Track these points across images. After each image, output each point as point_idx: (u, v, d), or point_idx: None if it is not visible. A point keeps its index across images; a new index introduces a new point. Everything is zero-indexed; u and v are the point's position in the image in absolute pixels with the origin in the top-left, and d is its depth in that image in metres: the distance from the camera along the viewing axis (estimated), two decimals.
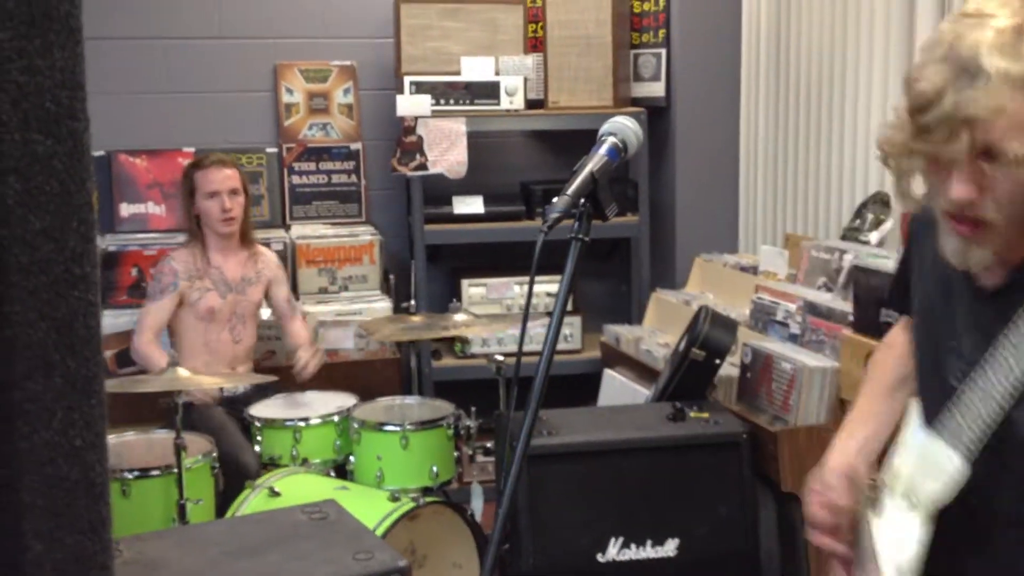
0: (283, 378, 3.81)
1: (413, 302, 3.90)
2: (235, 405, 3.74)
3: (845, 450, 1.62)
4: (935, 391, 1.48)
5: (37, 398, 0.42)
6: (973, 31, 1.24)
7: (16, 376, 0.41)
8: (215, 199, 3.76)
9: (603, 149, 1.48)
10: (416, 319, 3.74)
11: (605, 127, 1.51)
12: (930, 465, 1.41)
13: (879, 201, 3.54)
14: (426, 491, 3.35)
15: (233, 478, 3.35)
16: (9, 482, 0.41)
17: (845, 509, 1.56)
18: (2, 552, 0.43)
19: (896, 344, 1.73)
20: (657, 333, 4.05)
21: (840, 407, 2.96)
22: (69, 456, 0.42)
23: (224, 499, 3.31)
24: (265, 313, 4.08)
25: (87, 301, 0.43)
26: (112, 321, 4.00)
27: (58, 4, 0.41)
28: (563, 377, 3.60)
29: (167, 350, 3.70)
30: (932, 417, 1.45)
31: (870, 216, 3.53)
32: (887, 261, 2.95)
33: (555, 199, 1.42)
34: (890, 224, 3.48)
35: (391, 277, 4.51)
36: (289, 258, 4.38)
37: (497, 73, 4.39)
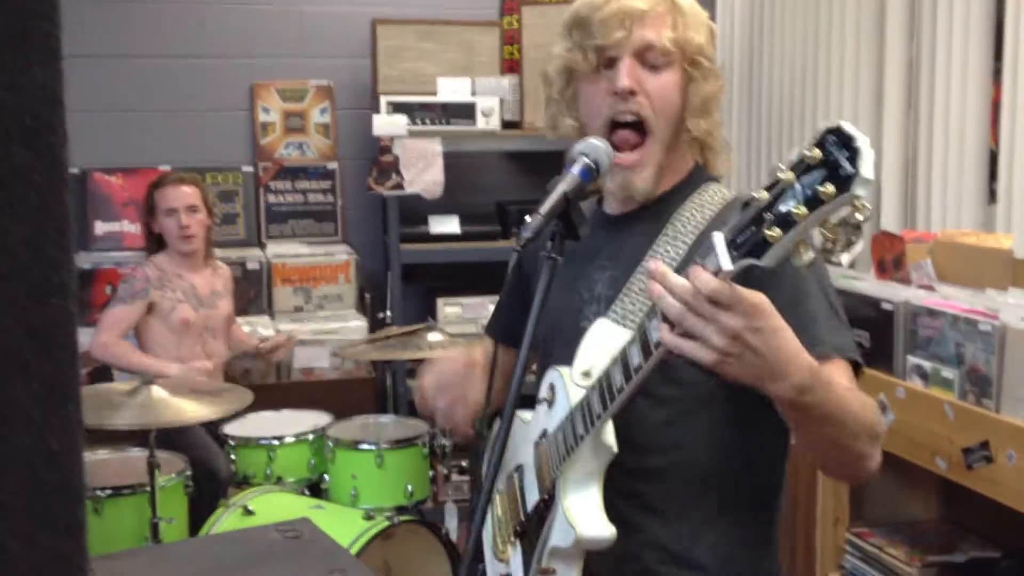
0: (259, 396, 3.80)
1: (389, 312, 3.90)
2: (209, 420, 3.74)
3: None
4: (566, 348, 1.59)
5: (15, 403, 0.43)
6: None
7: None
8: (172, 216, 3.78)
9: (575, 169, 1.49)
10: (392, 338, 3.74)
11: (577, 147, 1.53)
12: (605, 345, 1.50)
13: (849, 223, 3.58)
14: (401, 510, 3.35)
15: (204, 485, 3.34)
16: None
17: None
18: None
19: None
20: None
21: None
22: (46, 459, 0.43)
23: (194, 509, 3.30)
24: (245, 329, 4.08)
25: (65, 308, 0.44)
26: (87, 339, 3.98)
27: (38, 23, 0.43)
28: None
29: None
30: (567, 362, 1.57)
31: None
32: (859, 283, 2.98)
33: (528, 218, 1.43)
34: (860, 246, 3.52)
35: (367, 296, 4.52)
36: (264, 277, 4.38)
37: (473, 94, 4.43)
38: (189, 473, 3.28)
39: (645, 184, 1.58)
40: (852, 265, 3.49)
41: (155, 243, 3.85)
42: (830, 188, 1.09)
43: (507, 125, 4.49)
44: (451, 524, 3.51)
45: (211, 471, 3.42)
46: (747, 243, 1.17)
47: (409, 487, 3.38)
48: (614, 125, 1.58)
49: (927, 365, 2.57)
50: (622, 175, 1.57)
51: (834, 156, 1.10)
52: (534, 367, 1.72)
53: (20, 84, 0.41)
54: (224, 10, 4.62)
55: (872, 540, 2.92)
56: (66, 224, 0.43)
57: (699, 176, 1.65)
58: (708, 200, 1.60)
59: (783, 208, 1.13)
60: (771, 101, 4.19)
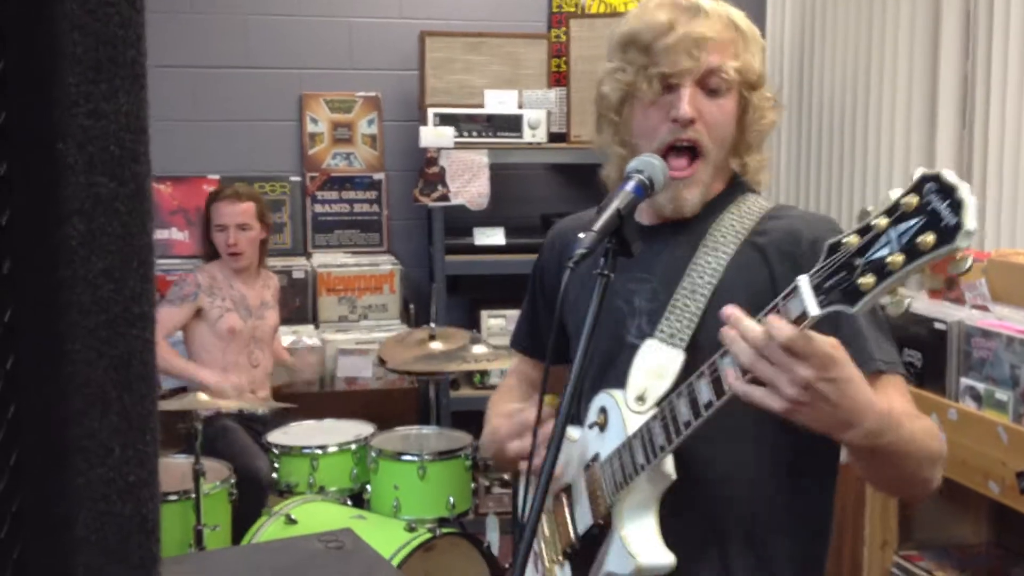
0: (302, 405, 3.82)
1: (433, 324, 3.90)
2: (252, 424, 3.76)
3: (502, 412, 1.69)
4: (613, 365, 1.58)
5: (94, 435, 0.42)
6: None
7: (74, 413, 0.42)
8: (223, 232, 3.82)
9: (630, 186, 1.48)
10: (436, 349, 3.74)
11: (632, 164, 1.51)
12: (657, 368, 1.50)
13: None
14: (442, 522, 3.34)
15: (246, 486, 3.36)
16: (65, 518, 0.42)
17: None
18: None
19: (508, 387, 1.87)
20: None
21: None
22: (123, 492, 0.43)
23: (237, 511, 3.31)
24: (287, 340, 4.11)
25: (144, 339, 0.44)
26: None
27: (125, 50, 0.42)
28: None
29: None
30: (615, 382, 1.55)
31: None
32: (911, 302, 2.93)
33: (581, 235, 1.42)
34: None
35: (411, 307, 4.52)
36: (310, 286, 4.40)
37: (520, 106, 4.42)
38: (233, 480, 3.30)
39: (694, 200, 1.57)
40: (904, 284, 3.44)
41: (212, 250, 3.90)
42: (930, 238, 1.06)
43: (553, 138, 4.48)
44: (492, 537, 3.50)
45: (252, 474, 3.43)
46: (837, 289, 1.15)
47: (451, 499, 3.37)
48: (668, 148, 1.56)
49: (980, 387, 2.53)
50: (674, 188, 1.55)
51: (933, 205, 1.06)
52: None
53: (105, 112, 0.41)
54: (273, 21, 4.66)
55: (921, 564, 2.87)
56: (148, 254, 0.43)
57: (738, 187, 1.64)
58: (747, 211, 1.59)
59: (877, 255, 1.11)
60: (821, 116, 4.15)
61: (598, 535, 1.54)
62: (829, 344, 1.21)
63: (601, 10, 4.86)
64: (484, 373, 4.46)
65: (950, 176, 1.07)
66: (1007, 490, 2.39)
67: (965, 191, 1.05)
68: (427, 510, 3.36)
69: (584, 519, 1.58)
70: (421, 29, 4.53)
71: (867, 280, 1.11)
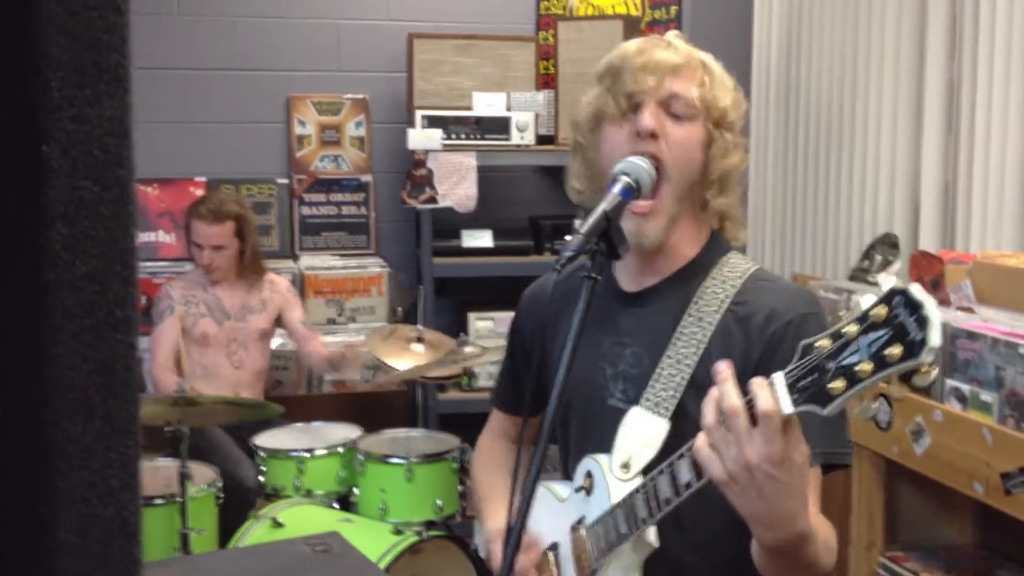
0: (290, 407, 3.81)
1: (420, 326, 3.90)
2: (239, 430, 3.75)
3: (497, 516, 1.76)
4: (594, 428, 1.64)
5: (77, 439, 0.42)
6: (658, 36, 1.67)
7: (57, 416, 0.42)
8: (200, 250, 3.85)
9: (616, 188, 1.49)
10: (424, 352, 3.74)
11: (618, 166, 1.52)
12: (643, 436, 1.54)
13: (887, 243, 3.55)
14: (430, 524, 3.34)
15: (232, 494, 3.35)
16: (48, 520, 0.41)
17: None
18: None
19: (489, 447, 1.95)
20: None
21: None
22: (105, 496, 0.43)
23: (223, 517, 3.31)
24: (274, 343, 4.09)
25: (128, 344, 0.44)
26: None
27: (108, 54, 0.42)
28: None
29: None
30: (596, 445, 1.61)
31: (878, 257, 3.54)
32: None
33: (568, 237, 1.43)
34: (898, 265, 3.49)
35: (399, 309, 4.52)
36: (297, 288, 4.39)
37: (508, 108, 4.43)
38: (220, 484, 3.29)
39: (657, 234, 1.58)
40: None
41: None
42: (896, 351, 1.10)
43: (541, 140, 4.48)
44: (479, 540, 3.50)
45: (238, 483, 3.42)
46: (809, 390, 1.18)
47: (438, 502, 3.37)
48: None
49: (966, 388, 2.54)
50: (635, 222, 1.57)
51: (901, 319, 1.11)
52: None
53: (89, 116, 0.41)
54: (261, 23, 4.65)
55: (907, 565, 2.88)
56: (132, 258, 0.43)
57: (717, 246, 1.67)
58: (729, 274, 1.61)
59: (847, 361, 1.15)
60: (808, 120, 4.16)
61: None
62: (792, 446, 1.22)
63: (589, 12, 4.87)
64: (471, 375, 4.45)
65: (918, 292, 1.11)
66: (992, 491, 2.40)
67: (931, 308, 1.10)
68: (414, 513, 3.36)
69: None
70: (409, 31, 4.53)
71: (838, 384, 1.15)
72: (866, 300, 1.14)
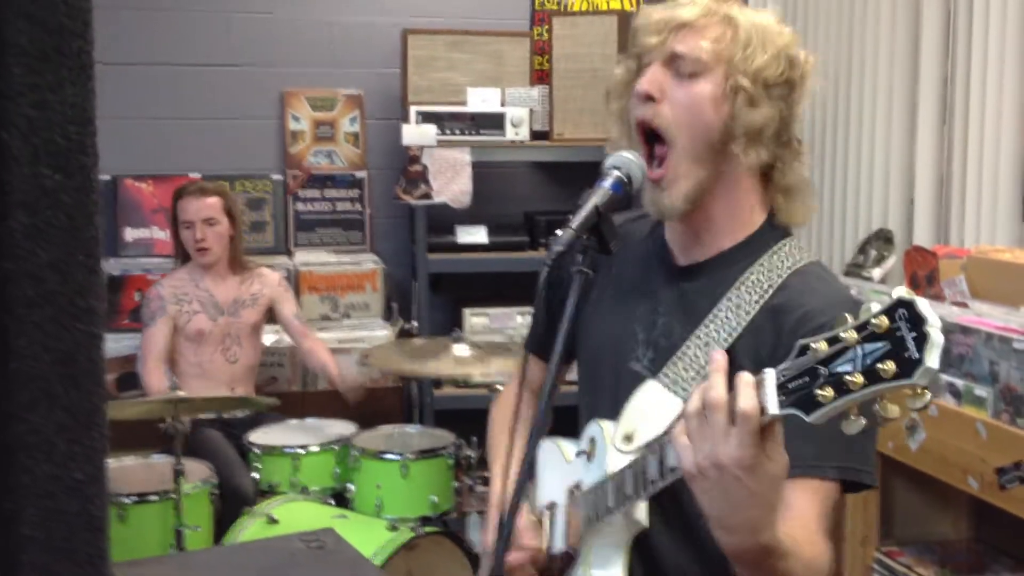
0: (284, 403, 3.80)
1: (415, 323, 3.89)
2: (233, 429, 3.74)
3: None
4: (610, 388, 1.60)
5: (39, 430, 0.41)
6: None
7: (19, 408, 0.41)
8: (189, 229, 3.80)
9: (607, 183, 1.48)
10: (419, 346, 3.73)
11: (609, 161, 1.51)
12: (652, 411, 1.49)
13: (882, 238, 3.55)
14: (425, 521, 3.33)
15: (229, 502, 3.34)
16: (11, 515, 0.41)
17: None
18: None
19: (507, 401, 1.97)
20: None
21: None
22: (69, 490, 0.42)
23: (219, 524, 3.30)
24: (268, 339, 4.08)
25: (91, 334, 0.43)
26: (114, 345, 4.00)
27: (71, 40, 0.42)
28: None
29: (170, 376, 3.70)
30: (609, 406, 1.56)
31: (873, 253, 3.53)
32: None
33: (559, 232, 1.42)
34: (892, 261, 3.48)
35: (393, 305, 4.52)
36: (292, 285, 4.38)
37: (503, 104, 4.42)
38: (215, 481, 3.29)
39: (674, 202, 1.52)
40: (884, 280, 3.45)
41: (184, 252, 3.87)
42: (890, 366, 1.03)
43: (536, 136, 4.47)
44: (475, 536, 3.49)
45: (235, 491, 3.40)
46: (797, 392, 1.11)
47: (434, 498, 3.36)
48: (645, 138, 1.55)
49: (960, 383, 2.54)
50: (651, 191, 1.53)
51: (901, 332, 1.03)
52: (568, 375, 1.72)
53: (50, 102, 0.40)
54: (255, 19, 4.64)
55: (901, 559, 2.88)
56: (95, 247, 0.42)
57: (770, 233, 1.57)
58: (777, 264, 1.53)
59: (840, 369, 1.07)
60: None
61: (567, 562, 1.57)
62: (773, 456, 1.17)
63: (583, 8, 4.86)
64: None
65: (923, 307, 1.03)
66: (986, 486, 2.40)
67: (934, 326, 1.02)
68: (409, 509, 3.35)
69: (558, 541, 1.60)
70: (404, 27, 4.52)
71: (826, 392, 1.08)
72: (872, 306, 1.07)
